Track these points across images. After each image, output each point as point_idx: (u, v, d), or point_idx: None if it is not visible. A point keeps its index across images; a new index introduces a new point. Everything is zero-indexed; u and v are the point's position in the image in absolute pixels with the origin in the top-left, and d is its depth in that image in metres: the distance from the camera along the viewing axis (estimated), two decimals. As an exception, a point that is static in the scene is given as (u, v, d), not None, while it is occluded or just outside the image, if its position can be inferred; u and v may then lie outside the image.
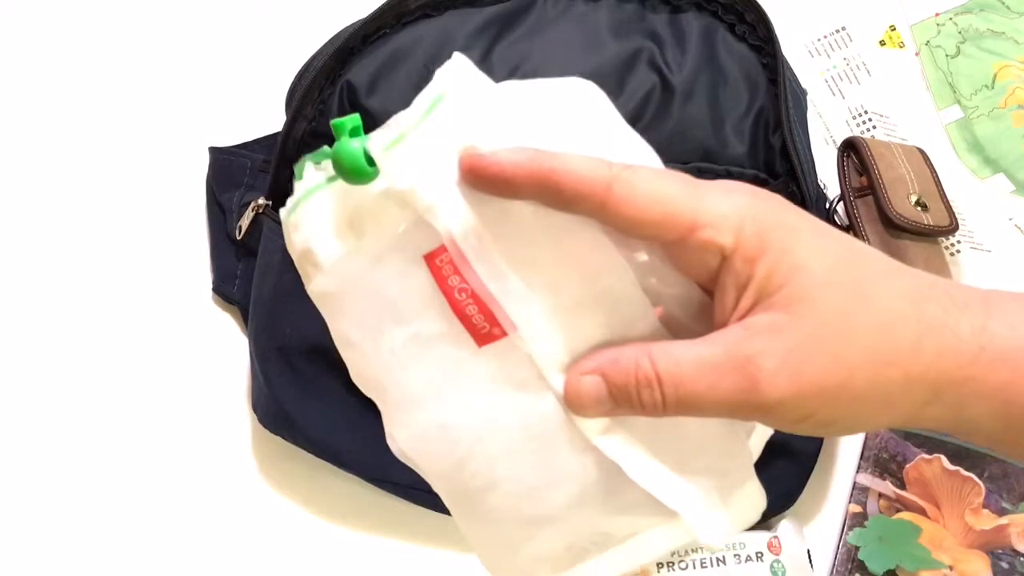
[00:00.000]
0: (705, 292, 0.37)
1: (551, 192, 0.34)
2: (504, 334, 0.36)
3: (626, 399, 0.36)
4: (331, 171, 0.37)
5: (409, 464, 0.40)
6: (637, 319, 0.36)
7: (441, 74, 0.37)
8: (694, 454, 0.38)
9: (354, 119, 0.37)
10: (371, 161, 0.36)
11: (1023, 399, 0.36)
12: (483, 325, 0.36)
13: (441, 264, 0.35)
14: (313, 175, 0.38)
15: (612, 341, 0.36)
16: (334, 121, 0.37)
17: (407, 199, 0.35)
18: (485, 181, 0.35)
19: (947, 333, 0.36)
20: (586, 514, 0.38)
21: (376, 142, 0.36)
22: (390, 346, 0.37)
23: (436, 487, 0.40)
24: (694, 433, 0.38)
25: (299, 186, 0.38)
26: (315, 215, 0.37)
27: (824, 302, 0.34)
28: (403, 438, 0.39)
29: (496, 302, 0.35)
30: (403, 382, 0.38)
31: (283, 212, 0.39)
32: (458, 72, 0.37)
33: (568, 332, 0.36)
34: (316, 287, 0.39)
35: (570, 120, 0.37)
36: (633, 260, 0.37)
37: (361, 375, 0.40)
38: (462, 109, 0.36)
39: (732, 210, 0.35)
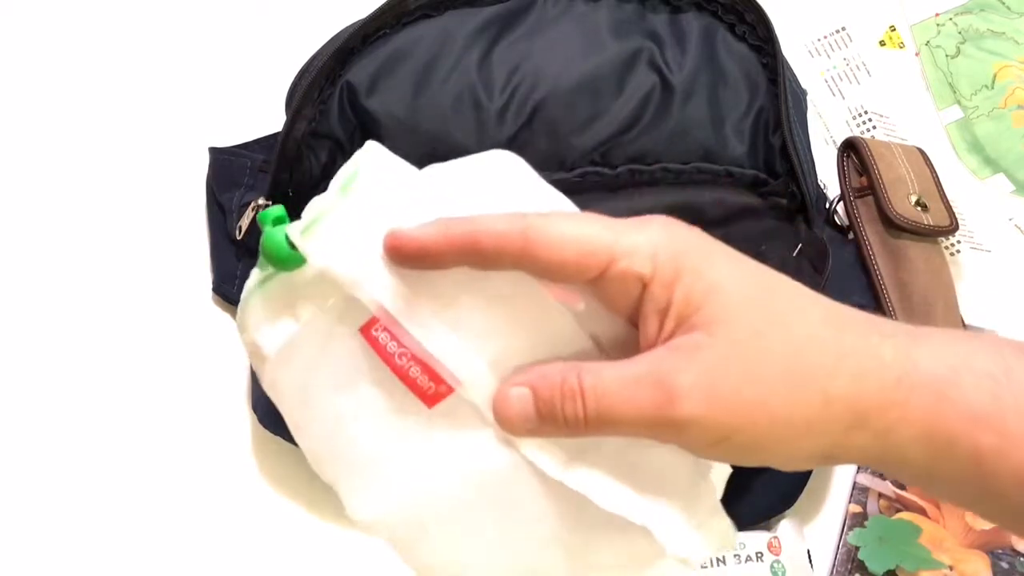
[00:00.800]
0: (635, 328, 0.38)
1: (472, 255, 0.35)
2: (451, 390, 0.37)
3: (551, 414, 0.36)
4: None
5: (374, 535, 0.40)
6: (577, 357, 0.37)
7: (357, 155, 0.38)
8: (657, 485, 0.38)
9: (277, 209, 0.37)
10: (295, 246, 0.36)
11: (948, 426, 0.35)
12: (429, 385, 0.36)
13: (377, 333, 0.36)
14: (256, 274, 0.39)
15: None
16: (260, 213, 0.38)
17: (331, 277, 0.36)
18: (409, 258, 0.36)
19: (868, 357, 0.35)
20: (559, 561, 0.38)
21: (295, 227, 0.37)
22: (343, 423, 0.38)
23: (404, 557, 0.40)
24: (655, 465, 0.38)
25: (245, 287, 0.38)
26: (258, 310, 0.38)
27: (741, 322, 0.35)
28: (365, 510, 0.39)
29: (436, 360, 0.36)
30: (359, 456, 0.38)
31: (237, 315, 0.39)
32: (373, 153, 0.38)
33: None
34: (266, 379, 0.39)
35: (488, 187, 0.38)
36: (571, 310, 0.37)
37: (318, 460, 0.40)
38: (378, 185, 0.37)
39: (646, 240, 0.36)
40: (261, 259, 0.37)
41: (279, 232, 0.36)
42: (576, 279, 0.36)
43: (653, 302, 0.36)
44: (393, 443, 0.37)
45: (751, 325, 0.35)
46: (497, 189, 0.38)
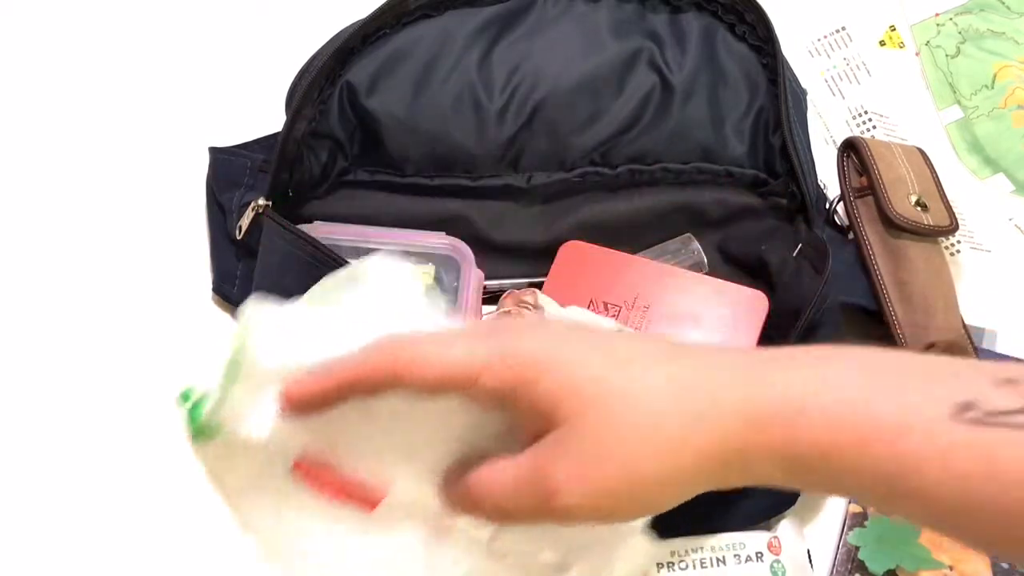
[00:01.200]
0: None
1: (355, 390, 0.39)
2: (381, 497, 0.42)
3: (471, 510, 0.41)
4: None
5: None
6: (472, 450, 0.42)
7: (241, 320, 0.41)
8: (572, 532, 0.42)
9: (185, 389, 0.42)
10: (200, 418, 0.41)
11: (799, 449, 0.37)
12: (361, 500, 0.42)
13: (304, 467, 0.41)
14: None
15: (461, 471, 0.41)
16: (180, 394, 0.42)
17: (248, 439, 0.40)
18: (302, 407, 0.40)
19: (718, 415, 0.38)
20: None
21: (208, 406, 0.41)
22: (293, 541, 0.43)
23: None
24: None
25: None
26: (206, 459, 0.42)
27: (596, 410, 0.38)
28: None
29: (359, 479, 0.41)
30: (310, 566, 0.43)
31: None
32: (255, 313, 0.41)
33: (427, 476, 0.42)
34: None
35: (366, 317, 0.41)
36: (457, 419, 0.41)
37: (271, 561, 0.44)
38: (265, 346, 0.40)
39: (501, 352, 0.39)
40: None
41: (194, 410, 0.41)
42: (448, 394, 0.39)
43: (518, 406, 0.39)
44: (339, 552, 0.42)
45: (607, 410, 0.38)
46: (374, 314, 0.41)
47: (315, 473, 0.41)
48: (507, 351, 0.39)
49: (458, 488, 0.41)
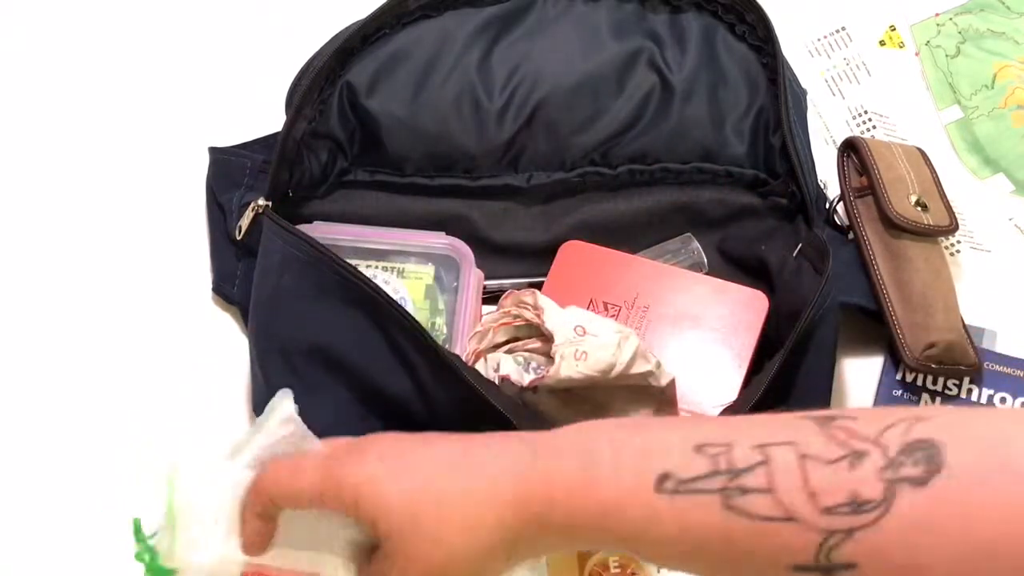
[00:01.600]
0: None
1: (264, 515, 0.48)
2: None
3: None
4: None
5: None
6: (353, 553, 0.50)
7: (169, 474, 0.49)
8: None
9: (135, 522, 0.50)
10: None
11: (555, 526, 0.44)
12: None
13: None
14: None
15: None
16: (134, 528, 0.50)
17: (200, 567, 0.49)
18: (253, 547, 0.49)
19: (491, 500, 0.44)
20: None
21: (148, 544, 0.50)
22: None
23: None
24: None
25: None
26: None
27: (406, 524, 0.44)
28: None
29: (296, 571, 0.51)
30: None
31: None
32: (180, 468, 0.49)
33: (343, 564, 0.50)
34: None
35: (259, 460, 0.49)
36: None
37: None
38: (193, 496, 0.49)
39: (328, 481, 0.46)
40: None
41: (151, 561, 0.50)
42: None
43: (358, 521, 0.46)
44: None
45: (412, 522, 0.44)
46: (265, 456, 0.49)
47: None
48: (336, 479, 0.45)
49: None
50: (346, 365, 0.63)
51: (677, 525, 0.41)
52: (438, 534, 0.44)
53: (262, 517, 0.48)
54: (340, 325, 0.62)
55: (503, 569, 0.46)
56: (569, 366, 0.59)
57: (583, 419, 0.46)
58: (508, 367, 0.63)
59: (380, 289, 0.61)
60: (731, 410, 0.63)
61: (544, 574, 0.53)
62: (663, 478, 0.41)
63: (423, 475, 0.45)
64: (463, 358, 0.64)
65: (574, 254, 0.70)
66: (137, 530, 0.50)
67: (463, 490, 0.44)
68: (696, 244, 0.72)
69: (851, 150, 0.73)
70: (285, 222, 0.64)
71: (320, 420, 0.64)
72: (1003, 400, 0.69)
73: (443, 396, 0.61)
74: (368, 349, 0.62)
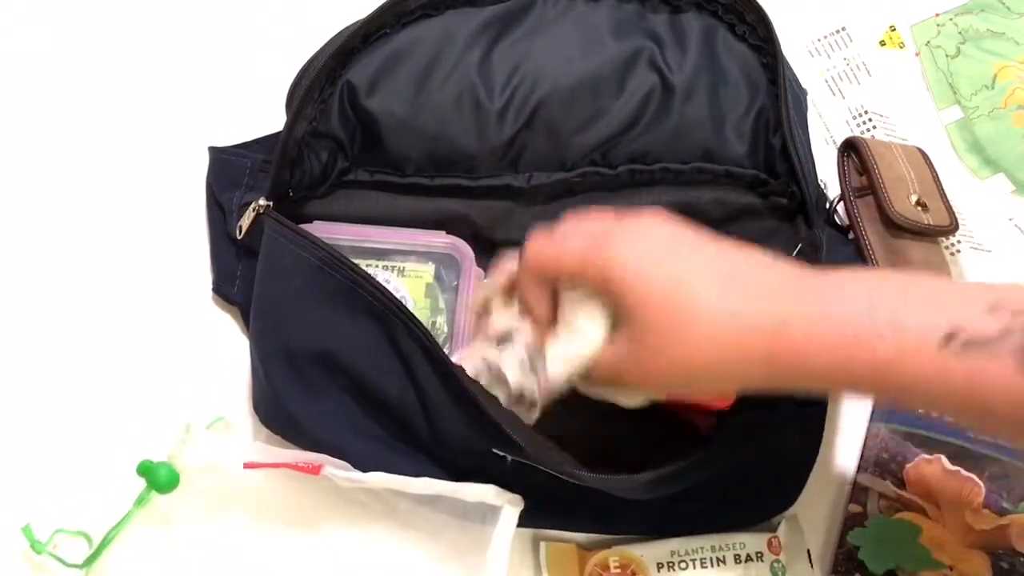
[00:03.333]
0: None
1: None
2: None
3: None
4: None
5: None
6: None
7: None
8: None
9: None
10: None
11: (819, 361, 0.44)
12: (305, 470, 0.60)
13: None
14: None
15: None
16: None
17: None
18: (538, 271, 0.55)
19: (746, 315, 0.45)
20: None
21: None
22: None
23: None
24: None
25: None
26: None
27: (656, 308, 0.45)
28: None
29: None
30: None
31: None
32: None
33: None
34: None
35: None
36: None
37: None
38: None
39: (588, 252, 0.49)
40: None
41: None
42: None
43: (608, 298, 0.48)
44: None
45: (662, 308, 0.46)
46: None
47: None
48: (602, 251, 0.46)
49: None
50: (350, 370, 0.63)
51: (964, 383, 0.41)
52: (688, 336, 0.45)
53: (539, 284, 0.51)
54: (347, 330, 0.62)
55: (730, 391, 0.50)
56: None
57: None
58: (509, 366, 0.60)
59: (390, 294, 0.61)
60: (727, 414, 0.63)
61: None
62: (950, 337, 0.41)
63: (696, 278, 0.45)
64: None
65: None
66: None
67: (730, 311, 0.45)
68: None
69: (851, 150, 0.73)
70: (287, 221, 0.64)
71: (321, 422, 0.65)
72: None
73: (445, 407, 0.61)
74: (374, 355, 0.62)
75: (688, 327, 0.45)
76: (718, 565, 0.64)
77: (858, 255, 0.71)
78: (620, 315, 0.47)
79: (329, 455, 0.63)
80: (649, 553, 0.65)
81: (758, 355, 0.45)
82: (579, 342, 0.53)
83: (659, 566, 0.64)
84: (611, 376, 0.51)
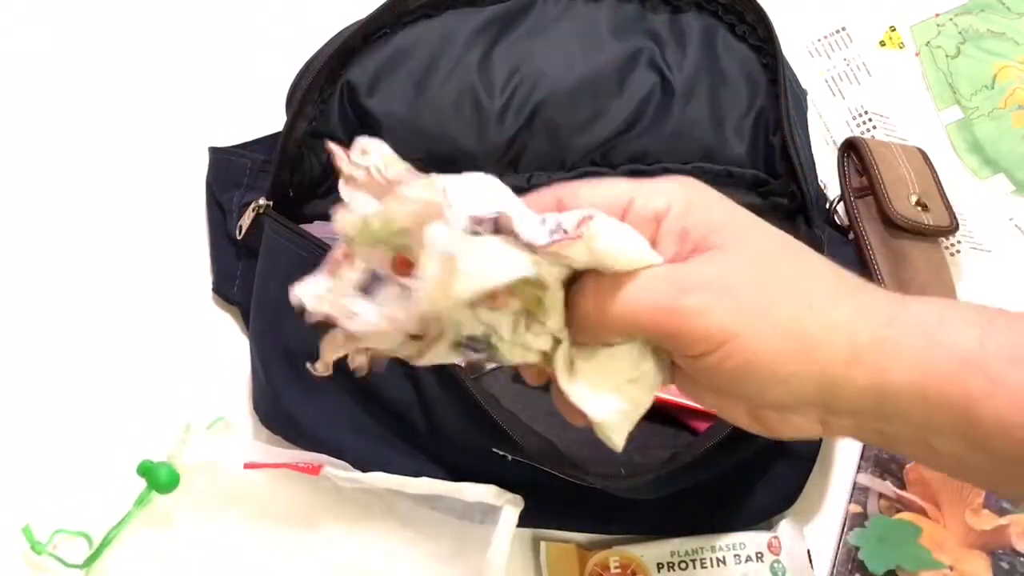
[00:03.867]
0: None
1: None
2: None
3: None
4: None
5: None
6: None
7: None
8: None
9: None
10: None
11: (938, 368, 0.37)
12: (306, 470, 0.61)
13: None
14: None
15: None
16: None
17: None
18: None
19: (864, 300, 0.38)
20: None
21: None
22: None
23: None
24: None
25: None
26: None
27: (752, 244, 0.38)
28: None
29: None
30: None
31: None
32: None
33: None
34: None
35: None
36: None
37: None
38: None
39: (662, 185, 0.40)
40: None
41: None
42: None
43: (669, 232, 0.39)
44: None
45: (762, 247, 0.38)
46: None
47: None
48: (669, 184, 0.40)
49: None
50: (349, 370, 0.63)
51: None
52: (778, 282, 0.38)
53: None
54: None
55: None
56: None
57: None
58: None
59: None
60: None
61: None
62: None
63: (770, 314, 0.37)
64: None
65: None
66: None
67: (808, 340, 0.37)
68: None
69: (851, 150, 0.73)
70: (290, 223, 0.64)
71: (320, 422, 0.65)
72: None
73: (445, 406, 0.61)
74: None
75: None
76: (718, 565, 0.64)
77: (858, 255, 0.71)
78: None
79: (329, 455, 0.63)
80: (649, 553, 0.65)
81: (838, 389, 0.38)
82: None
83: (659, 566, 0.64)
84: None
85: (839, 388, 0.37)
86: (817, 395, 0.38)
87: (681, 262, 0.38)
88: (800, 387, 0.38)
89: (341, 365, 0.64)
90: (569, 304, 0.40)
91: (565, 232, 0.38)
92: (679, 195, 0.39)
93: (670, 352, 0.40)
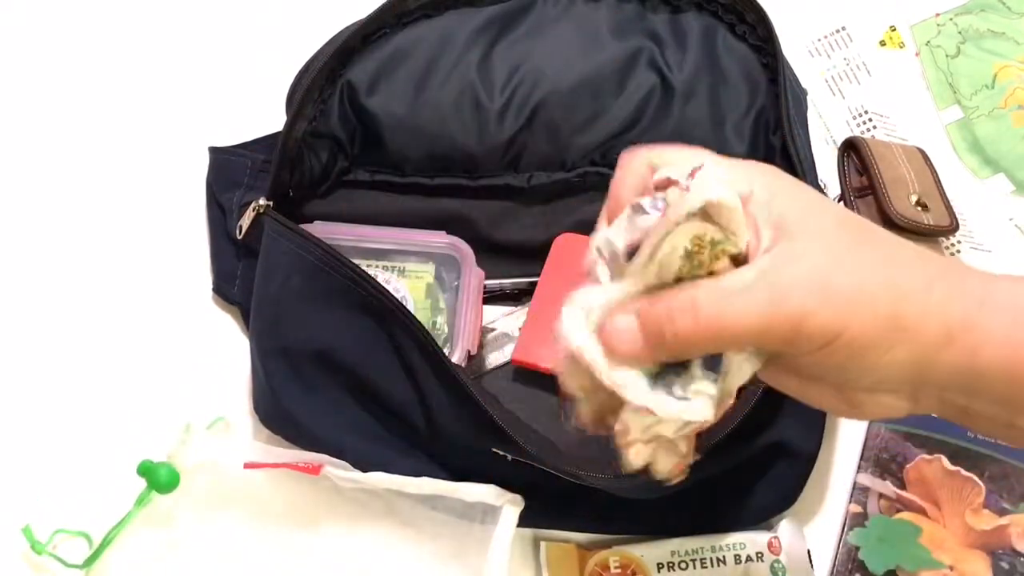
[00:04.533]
0: None
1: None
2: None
3: (656, 329, 0.38)
4: None
5: None
6: None
7: None
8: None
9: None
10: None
11: (977, 362, 0.38)
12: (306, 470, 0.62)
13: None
14: None
15: None
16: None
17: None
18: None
19: (955, 281, 0.39)
20: None
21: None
22: None
23: None
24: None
25: None
26: None
27: (838, 234, 0.38)
28: None
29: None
30: None
31: None
32: None
33: None
34: None
35: None
36: None
37: None
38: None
39: (743, 168, 0.40)
40: None
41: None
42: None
43: (751, 218, 0.39)
44: None
45: (849, 236, 0.38)
46: None
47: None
48: (750, 168, 0.40)
49: (659, 304, 0.39)
50: (349, 369, 0.63)
51: None
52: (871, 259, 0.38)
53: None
54: (346, 329, 0.62)
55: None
56: None
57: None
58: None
59: (390, 294, 0.61)
60: (726, 415, 0.63)
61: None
62: None
63: (870, 306, 0.37)
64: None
65: (569, 247, 0.70)
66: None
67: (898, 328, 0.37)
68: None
69: (851, 150, 0.73)
70: (290, 222, 0.64)
71: (320, 422, 0.65)
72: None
73: (445, 407, 0.61)
74: (373, 354, 0.62)
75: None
76: (718, 565, 0.64)
77: (858, 255, 0.71)
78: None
79: (329, 455, 0.63)
80: (649, 553, 0.65)
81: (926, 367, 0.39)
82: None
83: (659, 566, 0.64)
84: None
85: (933, 368, 0.38)
86: (912, 376, 0.39)
87: (767, 256, 0.38)
88: (898, 370, 0.39)
89: (341, 364, 0.64)
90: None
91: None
92: (762, 180, 0.39)
93: (771, 353, 0.40)
